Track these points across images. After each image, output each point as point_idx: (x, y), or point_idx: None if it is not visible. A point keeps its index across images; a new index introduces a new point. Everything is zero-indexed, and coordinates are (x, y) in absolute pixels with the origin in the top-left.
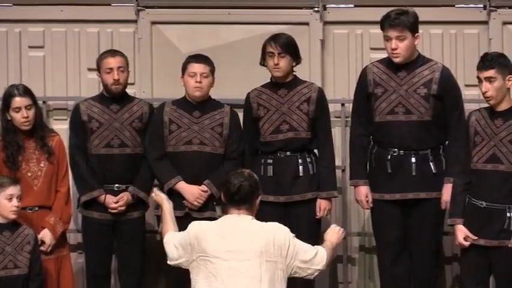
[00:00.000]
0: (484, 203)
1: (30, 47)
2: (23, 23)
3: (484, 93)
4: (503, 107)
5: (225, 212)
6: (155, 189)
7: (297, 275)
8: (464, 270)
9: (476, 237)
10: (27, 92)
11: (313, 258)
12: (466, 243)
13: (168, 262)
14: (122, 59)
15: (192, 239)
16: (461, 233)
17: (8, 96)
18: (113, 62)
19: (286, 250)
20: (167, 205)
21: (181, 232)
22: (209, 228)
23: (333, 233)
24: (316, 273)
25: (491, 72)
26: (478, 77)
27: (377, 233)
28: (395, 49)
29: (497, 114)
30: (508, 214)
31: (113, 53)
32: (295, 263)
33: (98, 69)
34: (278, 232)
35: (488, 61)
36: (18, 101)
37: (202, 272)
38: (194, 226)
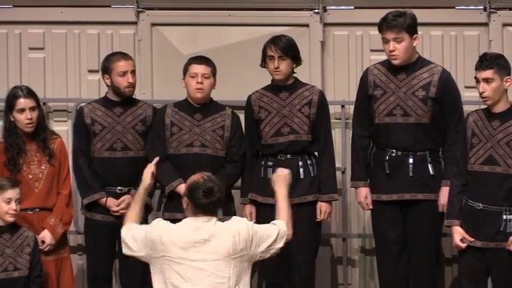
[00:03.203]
0: (480, 204)
1: (30, 48)
2: (23, 25)
3: (481, 94)
4: (500, 108)
5: (192, 214)
6: (155, 160)
7: (261, 259)
8: (461, 272)
9: (472, 239)
10: (31, 93)
11: (275, 239)
12: (463, 245)
13: (124, 252)
14: (133, 62)
15: (155, 236)
16: (458, 235)
17: (12, 97)
18: (126, 65)
19: (250, 241)
20: (145, 186)
21: (144, 226)
22: (175, 229)
23: (280, 181)
24: (278, 251)
25: (489, 73)
26: (475, 77)
27: (376, 233)
28: (393, 51)
29: (494, 116)
30: (504, 216)
31: (124, 55)
32: (259, 249)
33: (106, 71)
34: (241, 226)
35: (486, 61)
36: (23, 102)
37: (167, 272)
38: (159, 225)
